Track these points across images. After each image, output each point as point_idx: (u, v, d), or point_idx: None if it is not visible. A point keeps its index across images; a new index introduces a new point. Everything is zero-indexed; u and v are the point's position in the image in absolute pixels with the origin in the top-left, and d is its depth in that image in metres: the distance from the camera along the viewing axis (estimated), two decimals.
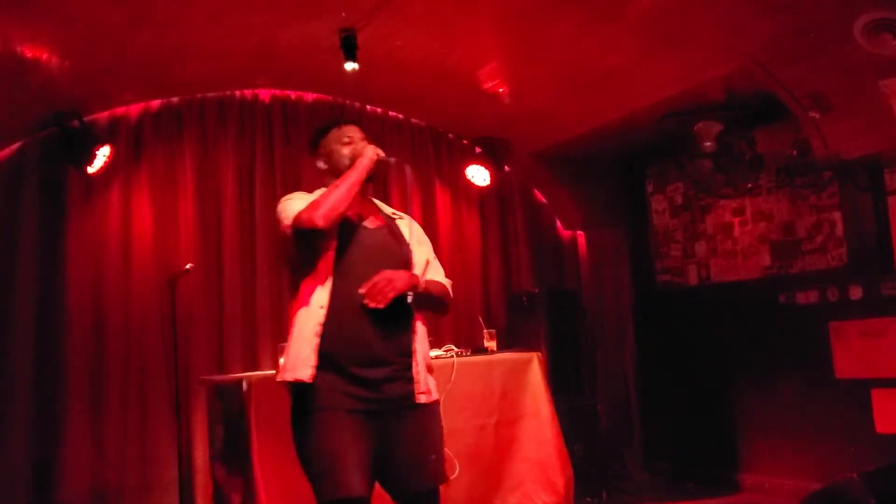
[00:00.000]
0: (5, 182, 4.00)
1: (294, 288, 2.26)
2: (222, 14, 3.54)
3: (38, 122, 3.99)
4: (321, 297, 2.16)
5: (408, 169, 2.46)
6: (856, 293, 4.15)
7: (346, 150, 2.37)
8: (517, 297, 5.08)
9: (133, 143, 4.32)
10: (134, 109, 4.35)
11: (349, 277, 2.17)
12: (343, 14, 3.59)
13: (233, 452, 3.35)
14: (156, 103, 4.40)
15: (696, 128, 4.26)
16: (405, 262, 2.27)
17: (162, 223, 4.31)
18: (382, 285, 2.10)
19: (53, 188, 4.09)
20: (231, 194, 4.48)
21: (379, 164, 2.33)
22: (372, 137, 2.50)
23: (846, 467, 3.51)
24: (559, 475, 3.73)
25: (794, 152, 4.33)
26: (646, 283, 5.53)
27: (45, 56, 3.49)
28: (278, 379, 2.24)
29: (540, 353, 3.97)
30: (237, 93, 4.61)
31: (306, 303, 2.19)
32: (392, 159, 2.41)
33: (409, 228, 2.38)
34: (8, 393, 3.83)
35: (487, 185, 5.17)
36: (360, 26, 3.67)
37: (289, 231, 2.19)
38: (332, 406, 2.12)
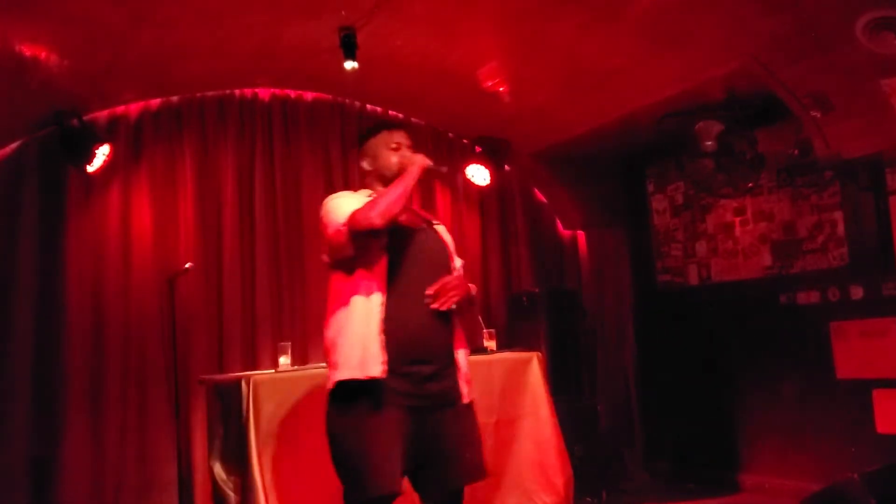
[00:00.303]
0: (5, 181, 4.00)
1: (339, 285, 2.29)
2: (222, 13, 3.53)
3: (38, 121, 3.99)
4: (378, 296, 2.21)
5: (458, 178, 2.64)
6: (857, 293, 4.14)
7: (394, 158, 2.43)
8: (517, 297, 5.07)
9: (133, 142, 4.32)
10: (134, 108, 4.35)
11: (405, 279, 2.25)
12: (343, 13, 3.59)
13: (232, 452, 3.34)
14: (155, 102, 4.39)
15: (696, 127, 4.25)
16: (449, 266, 2.39)
17: (161, 222, 4.30)
18: (449, 289, 2.23)
19: (53, 187, 4.09)
20: (231, 193, 4.48)
21: (427, 173, 2.41)
22: (417, 145, 2.54)
23: (847, 468, 3.50)
24: (559, 475, 3.72)
25: (796, 152, 4.32)
26: (646, 283, 5.52)
27: (44, 55, 3.49)
28: (341, 377, 2.20)
29: (540, 353, 3.96)
30: (237, 92, 4.61)
31: (362, 299, 2.22)
32: (444, 168, 2.54)
33: (446, 234, 2.52)
34: (7, 392, 3.83)
35: (487, 185, 5.17)
36: (360, 25, 3.67)
37: (343, 229, 2.23)
38: (385, 402, 2.16)
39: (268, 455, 3.14)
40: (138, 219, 4.26)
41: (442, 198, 5.20)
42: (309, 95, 4.81)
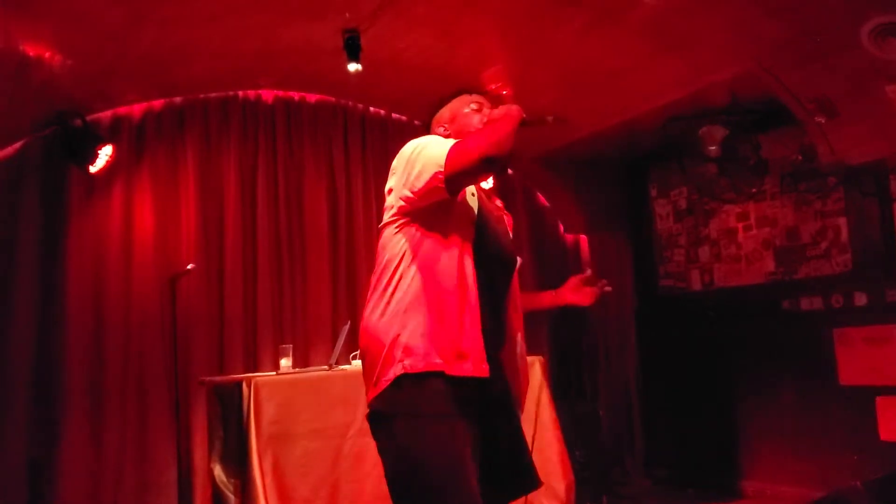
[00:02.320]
0: (7, 181, 3.98)
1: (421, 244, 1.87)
2: (225, 14, 3.53)
3: (41, 120, 3.98)
4: (469, 274, 1.85)
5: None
6: (860, 300, 4.12)
7: (475, 118, 2.10)
8: None
9: (135, 142, 4.31)
10: (137, 109, 4.33)
11: (486, 259, 1.91)
12: (347, 15, 3.58)
13: (232, 454, 3.33)
14: (158, 103, 4.39)
15: (700, 132, 4.24)
16: (514, 260, 2.10)
17: (163, 223, 4.29)
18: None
19: (55, 187, 4.07)
20: (233, 195, 4.47)
21: (524, 125, 1.98)
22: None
23: (850, 475, 3.49)
24: (560, 480, 3.70)
25: (799, 157, 4.31)
26: (648, 288, 5.51)
27: (48, 55, 3.48)
28: (438, 369, 1.76)
29: (542, 358, 3.95)
30: (240, 93, 4.60)
31: (450, 276, 1.83)
32: (549, 118, 2.11)
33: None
34: (6, 392, 3.81)
35: (490, 188, 5.15)
36: (364, 28, 3.66)
37: (441, 175, 1.78)
38: (461, 406, 1.78)
39: (268, 457, 3.13)
40: (140, 220, 4.25)
41: None
42: (312, 97, 4.80)
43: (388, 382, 1.78)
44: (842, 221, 4.26)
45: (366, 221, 4.82)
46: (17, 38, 3.30)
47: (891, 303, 3.97)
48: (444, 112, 2.19)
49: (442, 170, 1.79)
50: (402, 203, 1.89)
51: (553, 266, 5.57)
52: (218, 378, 3.93)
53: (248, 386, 3.20)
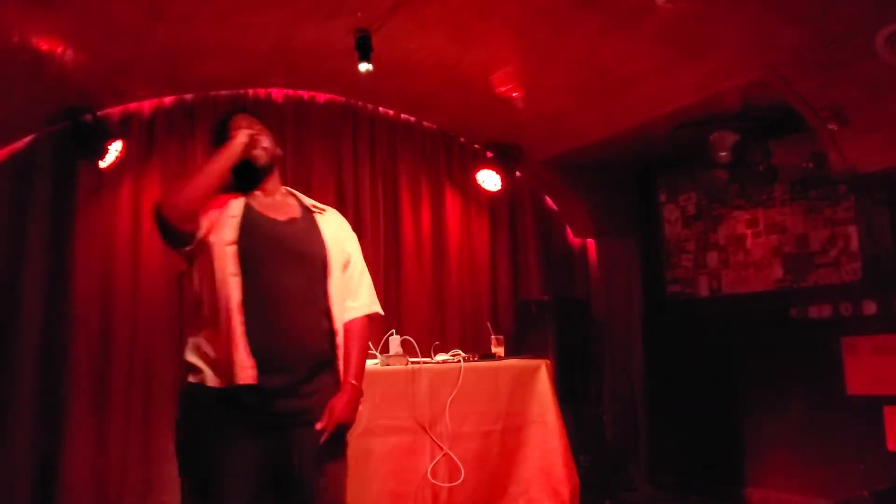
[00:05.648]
0: (18, 175, 3.99)
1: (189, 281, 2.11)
2: (238, 12, 3.53)
3: (52, 115, 3.98)
4: (238, 291, 2.00)
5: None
6: (870, 308, 4.10)
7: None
8: (526, 305, 5.05)
9: (145, 138, 4.31)
10: (147, 105, 4.34)
11: (255, 276, 2.02)
12: (359, 14, 3.58)
13: None
14: (169, 100, 4.39)
15: (711, 138, 4.23)
16: (318, 261, 2.14)
17: None
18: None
19: (65, 182, 4.08)
20: None
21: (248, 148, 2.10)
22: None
23: (856, 485, 3.47)
24: (565, 484, 3.68)
25: (810, 165, 4.29)
26: (656, 294, 5.49)
27: (60, 49, 3.49)
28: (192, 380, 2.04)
29: (548, 361, 3.93)
30: (250, 91, 4.60)
31: (202, 299, 2.06)
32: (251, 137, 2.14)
33: (332, 224, 2.25)
34: (12, 387, 3.82)
35: (498, 191, 5.15)
36: (376, 28, 3.66)
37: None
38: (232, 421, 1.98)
39: None
40: (149, 216, 4.23)
41: (452, 201, 5.19)
42: (322, 97, 4.80)
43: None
44: (852, 230, 4.24)
45: (373, 221, 4.82)
46: (31, 33, 3.31)
47: None
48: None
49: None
50: None
51: (560, 270, 5.55)
52: None
53: None
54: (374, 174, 4.91)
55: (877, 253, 4.10)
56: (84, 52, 3.56)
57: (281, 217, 2.17)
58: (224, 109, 4.46)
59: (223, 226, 2.06)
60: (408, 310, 4.85)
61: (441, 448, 3.49)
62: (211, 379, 2.00)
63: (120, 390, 4.05)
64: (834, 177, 4.12)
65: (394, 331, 3.92)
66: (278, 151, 2.26)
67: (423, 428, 3.48)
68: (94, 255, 4.10)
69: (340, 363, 2.13)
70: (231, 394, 1.96)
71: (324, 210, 2.30)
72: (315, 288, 2.12)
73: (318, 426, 2.02)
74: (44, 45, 3.42)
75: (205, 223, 2.05)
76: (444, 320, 4.99)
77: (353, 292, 2.24)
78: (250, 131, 2.13)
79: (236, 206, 2.10)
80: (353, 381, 2.13)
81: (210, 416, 1.98)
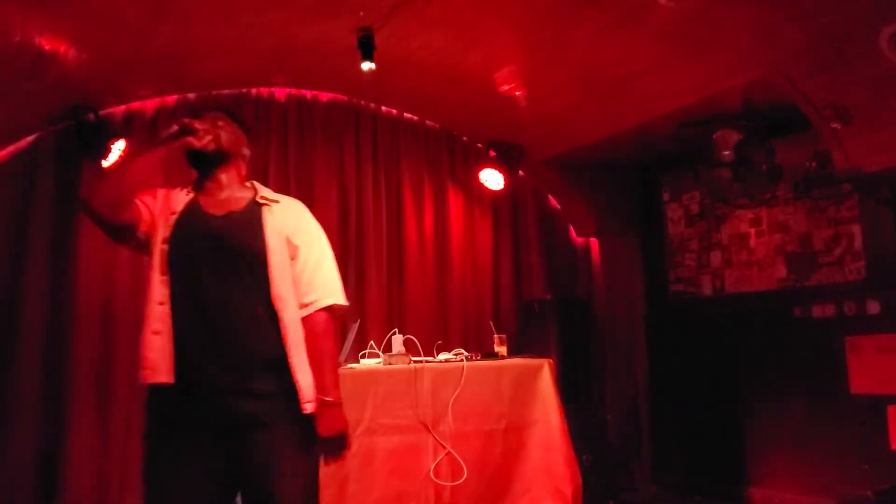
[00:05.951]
0: (20, 174, 4.00)
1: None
2: (240, 11, 3.53)
3: (54, 114, 3.99)
4: (161, 292, 1.99)
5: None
6: (873, 308, 4.09)
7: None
8: (529, 304, 5.04)
9: (148, 137, 4.31)
10: (150, 105, 4.35)
11: (180, 276, 1.99)
12: (361, 14, 3.57)
13: None
14: (172, 99, 4.39)
15: (714, 136, 4.22)
16: (254, 256, 2.03)
17: None
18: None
19: (68, 181, 4.09)
20: None
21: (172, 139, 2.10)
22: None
23: (859, 484, 3.46)
24: (567, 484, 3.68)
25: (814, 164, 4.28)
26: (659, 293, 5.48)
27: (63, 48, 3.49)
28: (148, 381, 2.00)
29: (550, 361, 3.93)
30: (253, 91, 4.60)
31: (147, 297, 2.02)
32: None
33: (280, 215, 2.13)
34: (15, 385, 3.82)
35: (501, 190, 5.15)
36: (378, 27, 3.66)
37: None
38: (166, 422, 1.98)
39: None
40: None
41: (455, 200, 5.18)
42: (324, 96, 4.81)
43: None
44: (855, 229, 4.23)
45: (376, 220, 4.82)
46: (34, 33, 3.31)
47: None
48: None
49: None
50: None
51: (563, 269, 5.55)
52: None
53: None
54: (376, 173, 4.91)
55: (881, 252, 4.09)
56: (87, 52, 3.57)
57: (219, 212, 2.10)
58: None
59: (164, 223, 2.06)
60: (410, 309, 4.86)
61: (444, 447, 3.49)
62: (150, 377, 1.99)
63: (122, 387, 4.04)
64: (838, 176, 4.11)
65: (396, 330, 3.93)
66: (227, 144, 2.18)
67: (426, 427, 3.48)
68: (97, 255, 4.10)
69: (292, 361, 2.01)
70: (164, 393, 1.95)
71: (276, 201, 2.17)
72: (250, 284, 2.02)
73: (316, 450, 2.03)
74: (46, 45, 3.42)
75: (146, 217, 2.07)
76: (446, 319, 4.99)
77: (305, 286, 2.10)
78: (184, 123, 2.11)
79: (180, 202, 2.11)
80: (326, 398, 2.06)
81: (158, 416, 1.99)
